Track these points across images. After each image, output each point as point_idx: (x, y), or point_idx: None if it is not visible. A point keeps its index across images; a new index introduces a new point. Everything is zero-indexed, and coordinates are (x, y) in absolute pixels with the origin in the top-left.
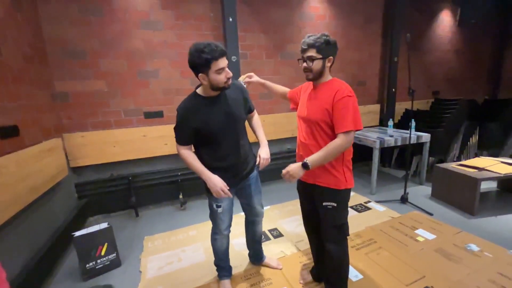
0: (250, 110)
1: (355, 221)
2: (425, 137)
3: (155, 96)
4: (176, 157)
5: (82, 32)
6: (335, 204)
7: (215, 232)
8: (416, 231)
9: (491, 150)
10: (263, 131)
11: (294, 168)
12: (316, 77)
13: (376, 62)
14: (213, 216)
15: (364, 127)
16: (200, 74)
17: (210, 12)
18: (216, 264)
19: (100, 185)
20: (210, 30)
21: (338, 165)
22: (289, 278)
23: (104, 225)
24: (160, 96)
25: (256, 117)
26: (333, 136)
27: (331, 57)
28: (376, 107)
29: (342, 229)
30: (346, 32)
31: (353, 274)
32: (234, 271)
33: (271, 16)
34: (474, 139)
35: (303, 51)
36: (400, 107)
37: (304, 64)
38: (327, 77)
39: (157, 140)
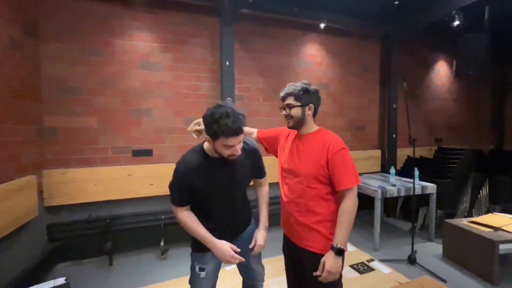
0: (259, 176)
1: (356, 285)
2: (431, 187)
3: (146, 134)
4: (161, 199)
5: (80, 71)
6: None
7: None
8: None
9: (503, 205)
10: (267, 210)
11: (331, 262)
12: (297, 125)
13: (375, 108)
14: (193, 282)
15: (365, 173)
16: (206, 136)
17: (209, 56)
18: None
19: (75, 226)
20: (207, 73)
21: (327, 222)
22: None
23: (60, 281)
24: (151, 135)
25: (264, 190)
26: (324, 194)
27: (311, 105)
28: (377, 153)
29: None
30: (344, 78)
31: None
32: None
33: (269, 61)
34: (484, 192)
35: (282, 99)
36: (402, 153)
37: (283, 112)
38: (312, 126)
39: (143, 180)
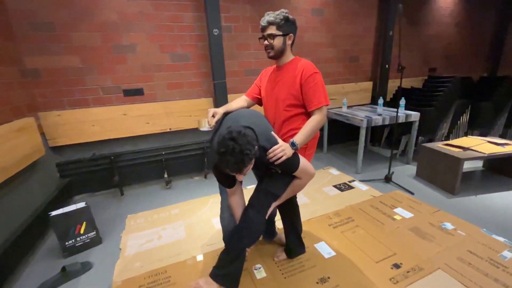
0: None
1: (337, 200)
2: (414, 116)
3: (134, 72)
4: (159, 136)
5: (49, 2)
6: (279, 171)
7: (222, 211)
8: (395, 210)
9: (481, 130)
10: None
11: (286, 145)
12: (277, 54)
13: (370, 37)
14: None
15: (355, 106)
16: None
17: None
18: (224, 240)
19: (82, 164)
20: (189, 0)
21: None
22: (264, 255)
23: (81, 204)
24: (139, 73)
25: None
26: (300, 114)
27: (291, 34)
28: (369, 85)
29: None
30: (339, 3)
31: (326, 251)
32: (215, 247)
33: None
34: (464, 118)
35: (263, 29)
36: (394, 84)
37: (265, 42)
38: (289, 56)
39: (138, 119)
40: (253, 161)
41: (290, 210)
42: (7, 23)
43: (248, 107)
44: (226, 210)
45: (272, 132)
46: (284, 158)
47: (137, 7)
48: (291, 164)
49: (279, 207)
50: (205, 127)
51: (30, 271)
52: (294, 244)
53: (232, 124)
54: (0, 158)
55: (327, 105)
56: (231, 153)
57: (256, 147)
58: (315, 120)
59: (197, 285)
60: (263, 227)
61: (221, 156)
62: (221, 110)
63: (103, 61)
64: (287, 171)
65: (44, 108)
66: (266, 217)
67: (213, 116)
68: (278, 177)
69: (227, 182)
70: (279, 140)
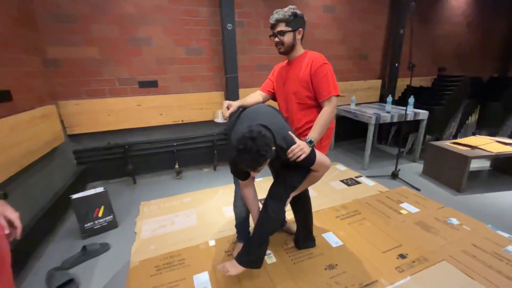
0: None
1: (343, 194)
2: (423, 114)
3: (149, 65)
4: (171, 127)
5: None
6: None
7: (236, 200)
8: (401, 205)
9: (490, 130)
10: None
11: (304, 144)
12: (288, 50)
13: (380, 35)
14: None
15: (363, 103)
16: None
17: None
18: (236, 227)
19: (97, 152)
20: None
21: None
22: (274, 242)
23: (100, 189)
24: (154, 65)
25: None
26: (313, 107)
27: (300, 29)
28: (377, 83)
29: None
30: (351, 0)
31: (334, 241)
32: (227, 234)
33: None
34: (473, 118)
35: (273, 26)
36: (403, 83)
37: (276, 39)
38: (299, 50)
39: (152, 110)
40: (268, 161)
41: (303, 204)
42: (32, 14)
43: (263, 101)
44: (239, 199)
45: (290, 132)
46: (303, 156)
47: (154, 0)
48: (308, 160)
49: (292, 200)
50: (219, 119)
51: (52, 249)
52: (305, 237)
53: (251, 122)
54: (27, 142)
55: (338, 95)
56: (248, 151)
57: (273, 148)
58: (326, 113)
59: (223, 267)
60: (283, 216)
61: (239, 152)
62: (236, 103)
63: (120, 53)
64: (305, 166)
65: (63, 97)
66: (285, 207)
67: (228, 108)
68: (296, 169)
69: (242, 175)
70: (296, 139)
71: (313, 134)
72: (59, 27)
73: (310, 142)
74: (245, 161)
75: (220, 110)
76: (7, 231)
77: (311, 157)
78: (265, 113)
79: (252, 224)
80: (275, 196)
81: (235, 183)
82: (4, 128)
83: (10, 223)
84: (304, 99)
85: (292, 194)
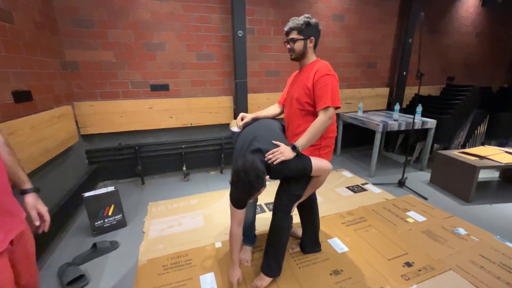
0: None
1: (349, 201)
2: (431, 123)
3: (162, 69)
4: (180, 130)
5: (90, 0)
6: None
7: None
8: (408, 213)
9: (499, 140)
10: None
11: (285, 148)
12: (298, 57)
13: (389, 43)
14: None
15: (371, 111)
16: None
17: None
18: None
19: (108, 153)
20: (217, 3)
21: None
22: None
23: (110, 188)
24: (166, 70)
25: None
26: (312, 114)
27: (312, 37)
28: (385, 91)
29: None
30: (360, 9)
31: (339, 247)
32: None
33: None
34: (482, 128)
35: (286, 33)
36: (411, 91)
37: (288, 46)
38: (311, 58)
39: (163, 113)
40: (261, 190)
41: (310, 209)
42: (53, 18)
43: (280, 113)
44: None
45: (276, 142)
46: (281, 159)
47: (169, 7)
48: (302, 167)
49: (299, 205)
50: (235, 127)
51: (64, 245)
52: (311, 242)
53: (251, 135)
54: (44, 141)
55: (336, 107)
56: (242, 183)
57: (265, 179)
58: (318, 122)
59: (255, 285)
60: (291, 223)
61: (233, 183)
62: (250, 115)
63: (135, 57)
64: (303, 175)
65: (79, 98)
66: (292, 212)
67: (242, 119)
68: (297, 179)
69: (239, 203)
70: (281, 144)
71: (300, 141)
72: (78, 31)
73: (294, 147)
74: (239, 191)
75: (235, 120)
76: (37, 223)
77: (301, 164)
78: (265, 128)
79: (257, 227)
80: (279, 207)
81: None
82: (25, 127)
83: (40, 216)
84: (304, 105)
85: (298, 202)
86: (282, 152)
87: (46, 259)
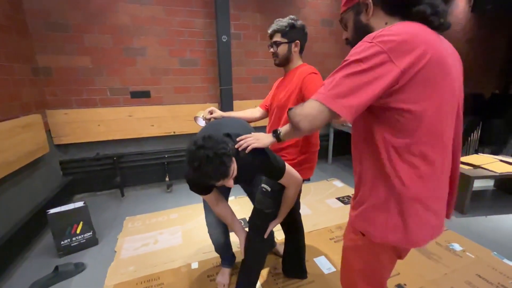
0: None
1: (340, 213)
2: None
3: (142, 75)
4: (163, 139)
5: (65, 4)
6: (269, 189)
7: (209, 227)
8: None
9: (493, 148)
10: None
11: (262, 135)
12: (282, 62)
13: None
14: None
15: None
16: None
17: None
18: (217, 252)
19: (85, 163)
20: (201, 7)
21: (295, 152)
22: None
23: (79, 203)
24: (148, 76)
25: (287, 194)
26: None
27: (297, 41)
28: None
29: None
30: None
31: (326, 267)
32: (211, 256)
33: None
34: (475, 136)
35: (270, 36)
36: None
37: (271, 50)
38: (296, 63)
39: (144, 121)
40: (234, 160)
41: (295, 233)
42: (23, 21)
43: (260, 117)
44: (212, 226)
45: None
46: (255, 145)
47: (150, 11)
48: (278, 163)
49: (283, 228)
50: (200, 119)
51: (24, 268)
52: (295, 269)
53: (212, 127)
54: (4, 153)
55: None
56: (206, 161)
57: (230, 144)
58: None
59: None
60: (268, 243)
61: (197, 170)
62: (220, 112)
63: (113, 62)
64: (274, 175)
65: (53, 106)
66: (266, 236)
67: (211, 113)
68: (268, 194)
69: (203, 190)
70: (257, 134)
71: (284, 127)
72: (51, 35)
73: (275, 131)
74: (211, 173)
75: (203, 111)
76: None
77: (276, 162)
78: (236, 122)
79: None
80: (253, 228)
81: (205, 208)
82: None
83: None
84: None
85: (274, 222)
86: (258, 139)
87: (2, 285)
